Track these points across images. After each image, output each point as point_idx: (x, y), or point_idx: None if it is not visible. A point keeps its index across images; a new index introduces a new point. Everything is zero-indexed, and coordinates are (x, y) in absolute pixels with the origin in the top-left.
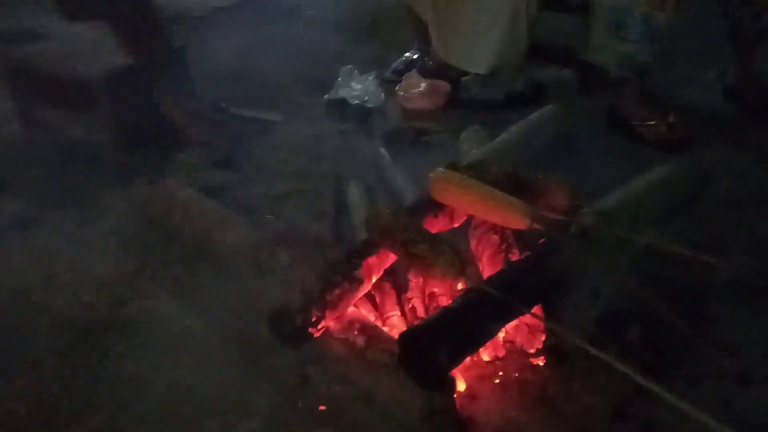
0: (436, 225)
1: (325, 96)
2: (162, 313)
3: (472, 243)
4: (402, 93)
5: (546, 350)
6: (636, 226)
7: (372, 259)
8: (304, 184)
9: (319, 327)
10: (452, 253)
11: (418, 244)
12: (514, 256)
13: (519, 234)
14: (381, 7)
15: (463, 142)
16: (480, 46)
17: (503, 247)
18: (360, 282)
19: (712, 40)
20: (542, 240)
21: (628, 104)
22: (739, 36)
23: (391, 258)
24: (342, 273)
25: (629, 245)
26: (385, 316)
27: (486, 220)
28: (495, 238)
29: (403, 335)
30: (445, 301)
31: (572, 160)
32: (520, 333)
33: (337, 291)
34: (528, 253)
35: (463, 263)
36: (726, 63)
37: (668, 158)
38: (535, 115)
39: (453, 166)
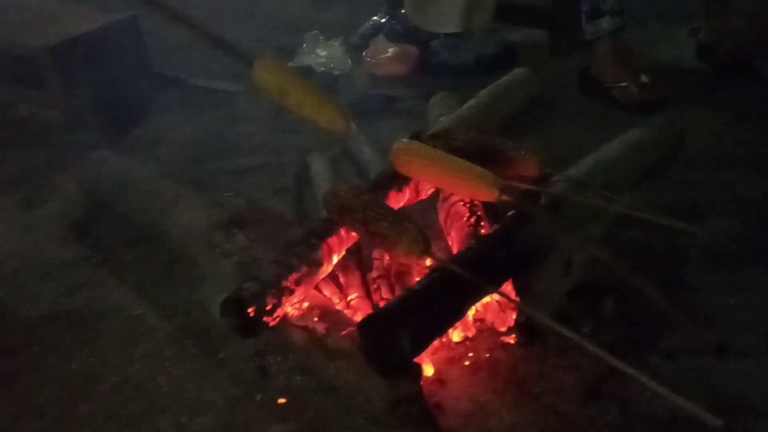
0: (401, 199)
1: (289, 63)
2: (112, 303)
3: (441, 216)
4: (369, 59)
5: (518, 328)
6: (609, 193)
7: (333, 239)
8: (266, 158)
9: (275, 315)
10: (415, 230)
11: (380, 222)
12: (484, 229)
13: (489, 206)
14: None
15: (432, 109)
16: (450, 4)
17: (473, 220)
18: (319, 264)
19: None
20: (512, 212)
21: (600, 65)
22: None
23: (354, 236)
24: (299, 256)
25: (603, 213)
26: (349, 299)
27: (453, 192)
28: (464, 210)
29: (362, 322)
30: (412, 281)
31: (544, 126)
32: (491, 311)
33: (294, 275)
34: (497, 226)
35: (427, 241)
36: (698, 21)
37: (642, 120)
38: (504, 80)
39: (417, 136)
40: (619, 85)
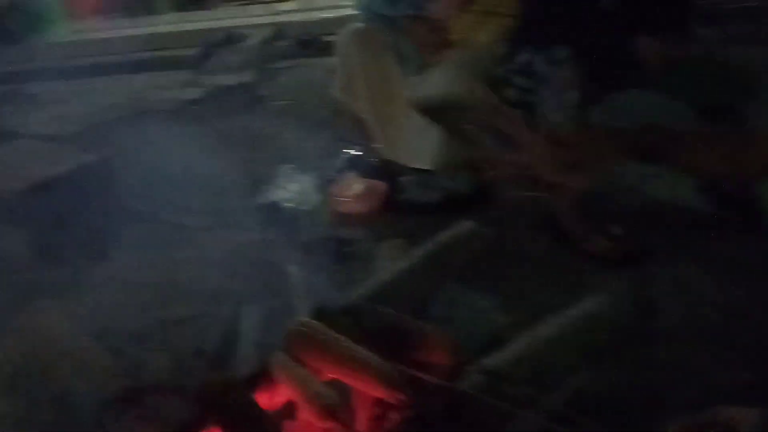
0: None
1: (258, 199)
2: None
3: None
4: (335, 195)
5: None
6: (538, 387)
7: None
8: (206, 307)
9: None
10: None
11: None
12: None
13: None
14: None
15: (382, 260)
16: (423, 140)
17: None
18: None
19: None
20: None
21: (566, 215)
22: None
23: None
24: None
25: (521, 419)
26: None
27: (352, 384)
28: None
29: None
30: None
31: (495, 282)
32: None
33: None
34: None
35: None
36: None
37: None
38: (445, 237)
39: (321, 314)
40: (588, 238)
